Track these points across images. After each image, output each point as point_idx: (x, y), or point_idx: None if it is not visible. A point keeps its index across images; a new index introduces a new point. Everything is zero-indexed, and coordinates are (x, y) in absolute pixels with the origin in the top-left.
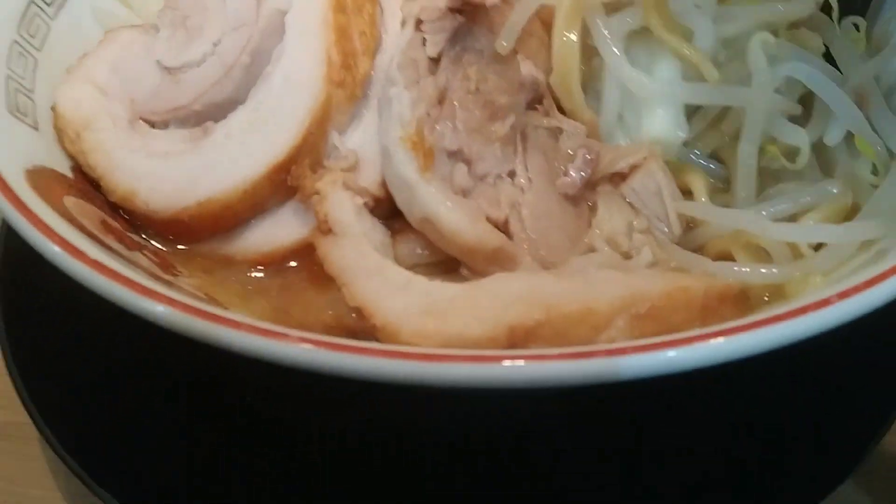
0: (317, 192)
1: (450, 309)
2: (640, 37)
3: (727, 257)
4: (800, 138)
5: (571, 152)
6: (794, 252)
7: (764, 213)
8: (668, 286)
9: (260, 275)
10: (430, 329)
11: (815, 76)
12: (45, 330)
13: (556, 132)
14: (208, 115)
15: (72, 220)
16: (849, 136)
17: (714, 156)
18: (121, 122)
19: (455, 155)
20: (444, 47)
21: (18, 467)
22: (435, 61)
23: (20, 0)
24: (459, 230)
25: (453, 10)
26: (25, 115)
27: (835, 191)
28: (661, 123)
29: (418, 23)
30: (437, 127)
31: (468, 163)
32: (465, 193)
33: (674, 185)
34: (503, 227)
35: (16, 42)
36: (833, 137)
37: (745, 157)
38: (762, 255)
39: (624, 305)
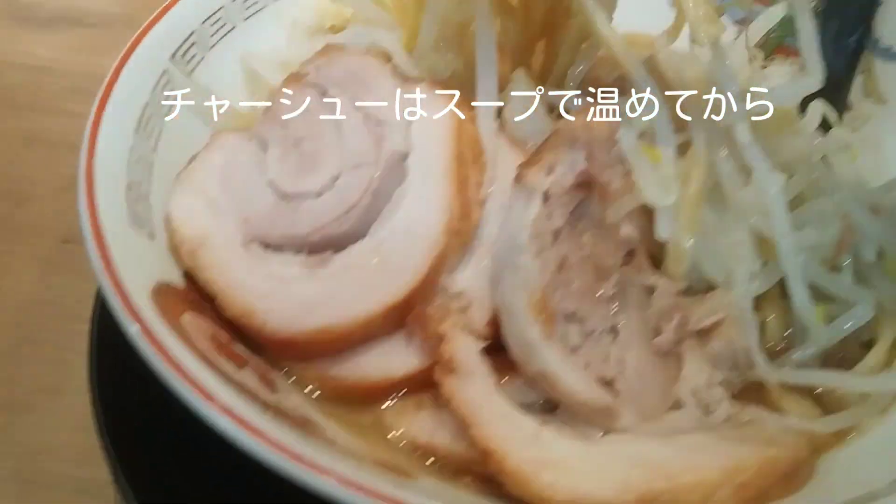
0: (440, 335)
1: (578, 468)
2: None
3: None
4: None
5: (666, 312)
6: None
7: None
8: (760, 458)
9: None
10: (561, 486)
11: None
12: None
13: (650, 289)
14: (325, 245)
15: (188, 342)
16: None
17: None
18: (234, 241)
19: (570, 317)
20: (567, 219)
21: None
22: (557, 231)
23: (139, 104)
24: (576, 391)
25: (580, 186)
26: (143, 226)
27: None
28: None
29: (546, 196)
30: (557, 293)
31: (580, 322)
32: (574, 350)
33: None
34: (609, 383)
35: (133, 148)
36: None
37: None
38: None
39: (728, 476)
